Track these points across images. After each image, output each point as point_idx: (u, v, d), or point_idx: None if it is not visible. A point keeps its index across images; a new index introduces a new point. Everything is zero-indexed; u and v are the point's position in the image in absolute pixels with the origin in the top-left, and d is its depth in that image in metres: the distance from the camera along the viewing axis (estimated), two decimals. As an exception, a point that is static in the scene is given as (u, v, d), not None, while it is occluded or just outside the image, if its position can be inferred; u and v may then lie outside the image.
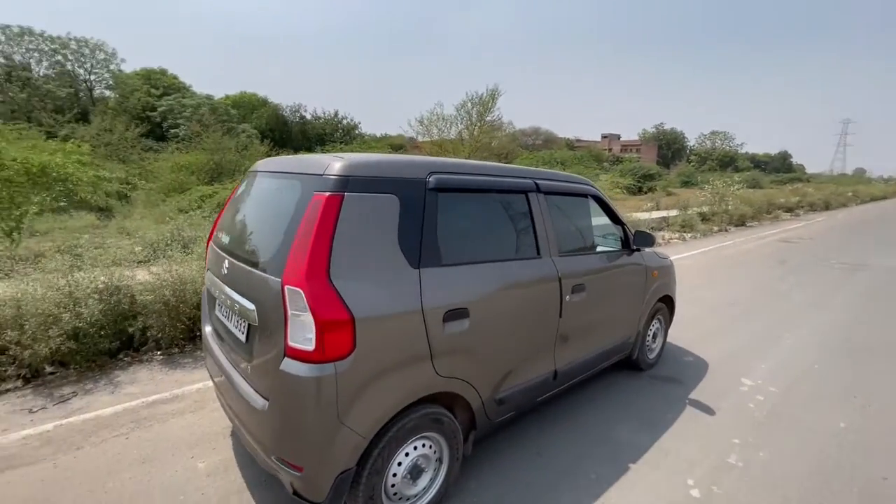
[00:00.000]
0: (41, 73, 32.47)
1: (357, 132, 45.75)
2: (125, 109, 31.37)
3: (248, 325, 1.90)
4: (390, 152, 26.14)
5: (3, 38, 30.95)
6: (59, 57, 33.45)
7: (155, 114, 32.99)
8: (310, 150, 36.97)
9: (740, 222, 14.71)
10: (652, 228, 11.47)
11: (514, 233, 2.42)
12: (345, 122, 46.01)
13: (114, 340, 3.69)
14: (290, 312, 1.62)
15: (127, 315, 3.77)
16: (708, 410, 3.12)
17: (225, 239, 2.29)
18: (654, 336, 3.77)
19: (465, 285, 2.04)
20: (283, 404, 1.67)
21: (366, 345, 1.68)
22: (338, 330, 1.61)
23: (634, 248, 3.27)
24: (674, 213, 13.45)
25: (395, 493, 1.95)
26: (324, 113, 45.53)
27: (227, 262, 2.12)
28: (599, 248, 3.25)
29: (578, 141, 72.40)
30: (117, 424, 2.81)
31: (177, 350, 3.91)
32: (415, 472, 2.01)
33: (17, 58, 31.62)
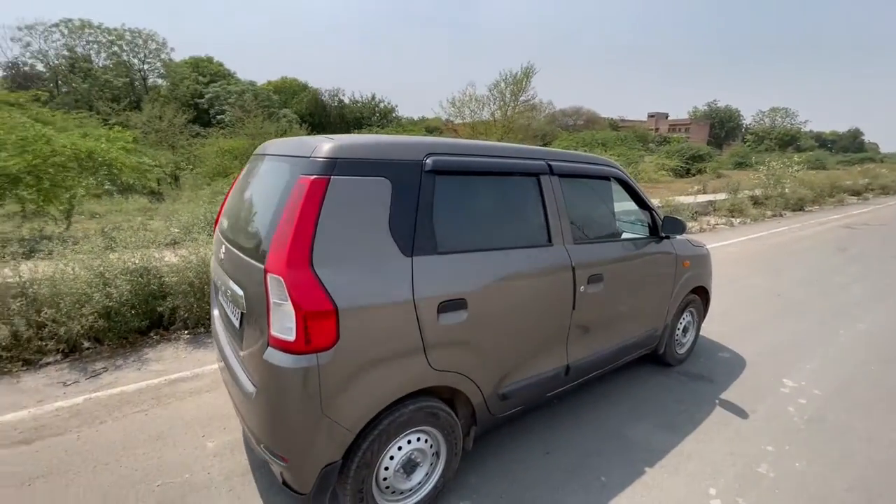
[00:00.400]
0: (100, 64, 34.44)
1: (394, 115, 45.80)
2: (175, 97, 32.84)
3: (241, 312, 1.88)
4: (425, 135, 25.99)
5: (66, 32, 32.96)
6: (116, 48, 35.30)
7: (202, 101, 34.39)
8: (347, 133, 37.36)
9: (798, 207, 13.57)
10: (696, 213, 10.80)
11: (523, 218, 2.26)
12: (382, 105, 46.15)
13: (144, 319, 3.85)
14: (271, 301, 1.57)
15: (156, 295, 3.92)
16: (740, 413, 2.87)
17: (224, 224, 2.28)
18: (685, 330, 3.50)
19: (464, 275, 1.92)
20: (268, 395, 1.63)
21: (351, 336, 1.61)
22: (320, 320, 1.54)
23: (663, 235, 3.01)
24: (722, 196, 12.58)
25: (387, 487, 1.90)
26: (361, 96, 45.89)
27: (224, 247, 2.11)
28: (625, 236, 3.03)
29: (623, 121, 69.18)
30: (139, 400, 2.93)
31: (202, 330, 4.04)
32: (409, 466, 1.95)
33: (78, 50, 33.67)
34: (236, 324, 1.94)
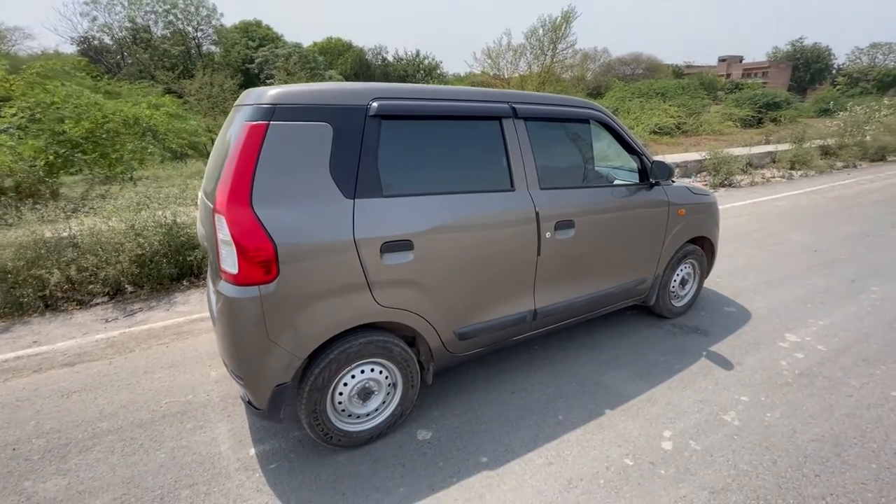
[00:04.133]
0: (158, 34, 36.06)
1: (438, 72, 44.73)
2: (228, 63, 33.97)
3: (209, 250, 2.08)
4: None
5: (126, 3, 34.58)
6: (171, 17, 36.66)
7: (253, 65, 35.32)
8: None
9: (878, 157, 12.04)
10: (750, 165, 9.92)
11: (481, 163, 2.26)
12: (426, 61, 45.15)
13: (176, 267, 4.28)
14: (219, 238, 1.73)
15: (186, 246, 4.32)
16: (725, 364, 2.80)
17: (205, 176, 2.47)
18: (683, 282, 3.37)
19: (409, 217, 1.98)
20: (222, 321, 1.84)
21: (291, 271, 1.75)
22: (259, 256, 1.69)
23: (653, 181, 2.87)
24: (785, 146, 11.39)
25: (342, 410, 2.09)
26: (406, 53, 45.12)
27: (200, 194, 2.30)
28: (616, 182, 2.93)
29: (689, 67, 62.91)
30: (163, 335, 3.34)
31: (226, 278, 4.42)
32: (364, 393, 2.12)
33: (139, 21, 35.35)
34: (210, 262, 2.16)
